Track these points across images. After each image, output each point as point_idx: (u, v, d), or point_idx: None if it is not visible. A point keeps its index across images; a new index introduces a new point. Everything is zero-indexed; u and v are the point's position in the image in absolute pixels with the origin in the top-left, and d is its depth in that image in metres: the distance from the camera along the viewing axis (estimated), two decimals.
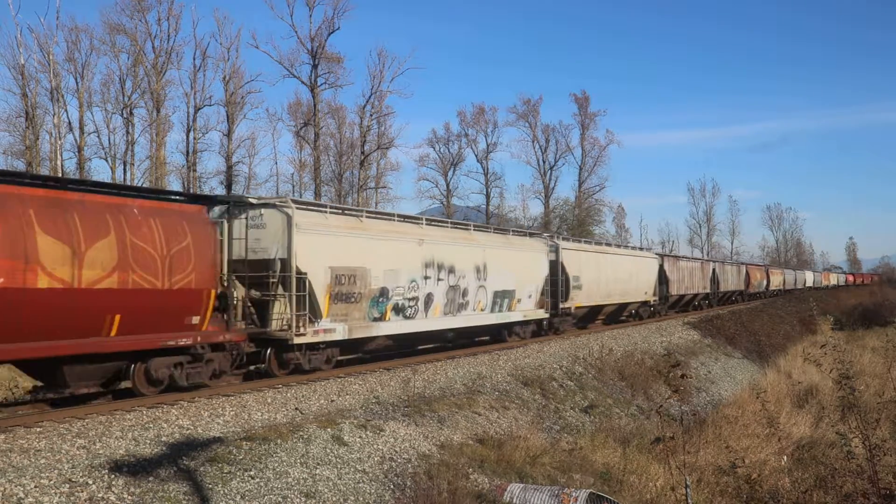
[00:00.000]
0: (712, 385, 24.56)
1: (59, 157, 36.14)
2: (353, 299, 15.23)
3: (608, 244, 34.62)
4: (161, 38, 41.72)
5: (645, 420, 17.05)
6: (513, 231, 24.08)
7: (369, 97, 49.37)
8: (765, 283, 64.98)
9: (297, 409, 12.06)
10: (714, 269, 47.79)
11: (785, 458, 13.99)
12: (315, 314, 14.33)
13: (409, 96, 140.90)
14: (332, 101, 53.60)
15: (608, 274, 28.99)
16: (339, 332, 14.95)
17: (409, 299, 17.05)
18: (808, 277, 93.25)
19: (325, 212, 15.65)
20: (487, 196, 63.03)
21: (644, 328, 30.78)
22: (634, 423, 16.45)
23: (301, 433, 10.15)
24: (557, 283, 24.56)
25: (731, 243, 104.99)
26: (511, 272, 21.52)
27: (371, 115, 49.68)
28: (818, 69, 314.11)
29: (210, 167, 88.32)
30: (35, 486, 7.51)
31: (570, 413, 16.17)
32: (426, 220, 19.18)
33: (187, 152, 43.38)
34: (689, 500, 8.59)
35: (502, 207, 65.15)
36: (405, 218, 18.61)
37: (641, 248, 39.40)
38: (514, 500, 9.70)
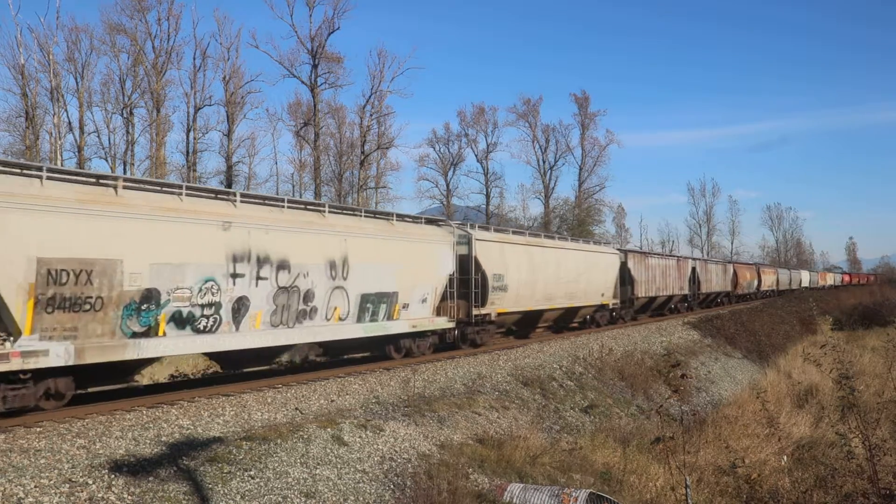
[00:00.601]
0: (712, 385, 24.56)
1: (59, 156, 36.15)
2: (86, 306, 10.60)
3: (551, 236, 28.67)
4: (161, 38, 41.83)
5: (645, 420, 17.05)
6: (398, 216, 17.80)
7: (369, 97, 49.49)
8: (755, 283, 61.47)
9: (297, 408, 12.06)
10: (694, 269, 43.58)
11: (785, 458, 13.98)
12: (5, 329, 9.92)
13: (409, 96, 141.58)
14: (332, 101, 53.73)
15: (548, 273, 24.11)
16: (57, 356, 10.18)
17: (204, 306, 12.32)
18: (805, 277, 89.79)
19: (41, 176, 10.46)
20: (487, 196, 63.13)
21: (644, 328, 30.77)
22: (634, 423, 16.45)
23: (301, 433, 10.15)
24: (470, 284, 19.68)
25: (731, 243, 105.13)
26: (391, 269, 16.55)
27: (371, 115, 49.77)
28: (818, 69, 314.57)
29: (210, 167, 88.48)
30: (35, 486, 7.51)
31: (570, 413, 16.17)
32: (242, 195, 13.60)
33: (187, 152, 43.43)
34: (689, 500, 8.59)
35: (502, 207, 65.26)
36: (200, 191, 13.28)
37: (598, 243, 34.01)
38: (514, 500, 9.70)
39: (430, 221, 19.67)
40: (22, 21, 67.36)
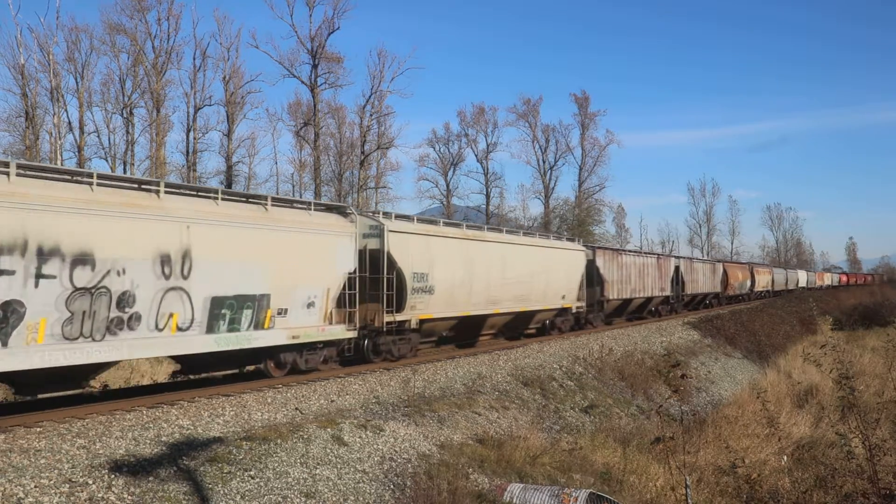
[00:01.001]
0: (712, 385, 24.56)
1: (59, 157, 36.15)
2: None
3: (497, 229, 24.52)
4: (161, 38, 41.82)
5: (645, 420, 17.05)
6: (276, 200, 14.52)
7: (369, 97, 49.47)
8: (748, 283, 57.61)
9: (297, 408, 12.06)
10: (677, 268, 39.62)
11: (785, 458, 13.98)
12: None
13: (409, 96, 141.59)
14: (332, 101, 53.82)
15: (491, 272, 20.52)
16: None
17: None
18: (802, 277, 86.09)
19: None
20: (487, 196, 63.12)
21: (644, 328, 30.76)
22: (634, 423, 16.45)
23: (301, 433, 10.16)
24: (381, 285, 16.39)
25: (731, 243, 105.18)
26: (259, 266, 13.32)
27: (371, 115, 49.76)
28: (818, 69, 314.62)
29: (210, 167, 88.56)
30: (35, 486, 7.51)
31: (570, 413, 16.17)
32: (21, 166, 10.39)
33: (187, 152, 43.43)
34: (689, 500, 8.59)
35: (502, 207, 65.23)
36: None
37: (560, 238, 29.62)
38: (514, 500, 9.70)
39: (327, 208, 16.24)
40: (22, 21, 67.37)
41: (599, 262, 28.69)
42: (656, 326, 31.92)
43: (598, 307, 29.13)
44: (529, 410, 15.10)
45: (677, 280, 39.35)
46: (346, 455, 9.96)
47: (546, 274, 23.68)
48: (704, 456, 13.54)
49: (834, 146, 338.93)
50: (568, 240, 29.12)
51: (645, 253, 38.53)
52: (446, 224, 20.46)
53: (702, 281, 44.31)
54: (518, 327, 23.89)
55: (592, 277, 27.96)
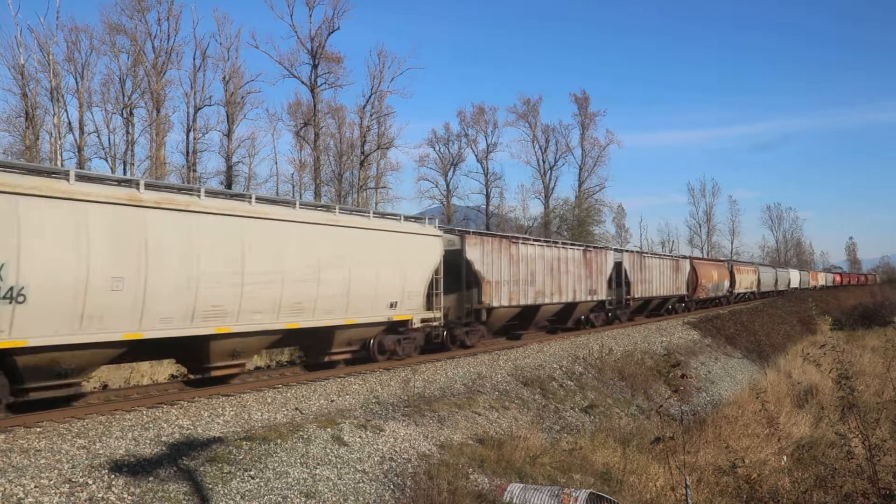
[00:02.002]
0: (712, 385, 24.56)
1: (59, 157, 36.15)
2: None
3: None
4: (161, 38, 41.80)
5: (645, 420, 17.05)
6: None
7: (369, 97, 49.47)
8: (727, 284, 49.56)
9: (297, 408, 12.06)
10: (619, 264, 30.58)
11: (785, 458, 13.98)
12: None
13: (409, 96, 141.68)
14: (332, 101, 53.85)
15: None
16: None
17: None
18: (794, 277, 79.47)
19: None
20: (487, 196, 63.16)
21: (644, 328, 30.74)
22: (634, 423, 16.45)
23: (301, 433, 10.16)
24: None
25: (731, 243, 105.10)
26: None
27: (371, 115, 49.76)
28: (818, 69, 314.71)
29: (210, 167, 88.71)
30: (35, 486, 7.51)
31: (570, 413, 16.17)
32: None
33: (187, 152, 43.42)
34: (689, 500, 8.59)
35: (502, 207, 65.21)
36: None
37: (400, 219, 17.87)
38: (514, 500, 9.70)
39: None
40: (22, 21, 67.39)
41: (473, 254, 19.98)
42: (656, 326, 31.90)
43: (472, 319, 20.70)
44: (529, 410, 15.10)
45: (621, 280, 31.05)
46: (346, 455, 9.97)
47: (371, 270, 17.07)
48: (704, 456, 13.54)
49: (834, 146, 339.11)
50: (416, 220, 19.56)
51: (561, 244, 25.99)
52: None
53: (658, 281, 35.36)
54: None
55: (463, 276, 20.14)
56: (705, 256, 68.66)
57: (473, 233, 21.28)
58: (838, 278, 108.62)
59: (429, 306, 18.12)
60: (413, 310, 17.64)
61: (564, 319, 27.22)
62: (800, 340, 37.09)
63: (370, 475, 9.66)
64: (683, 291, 39.85)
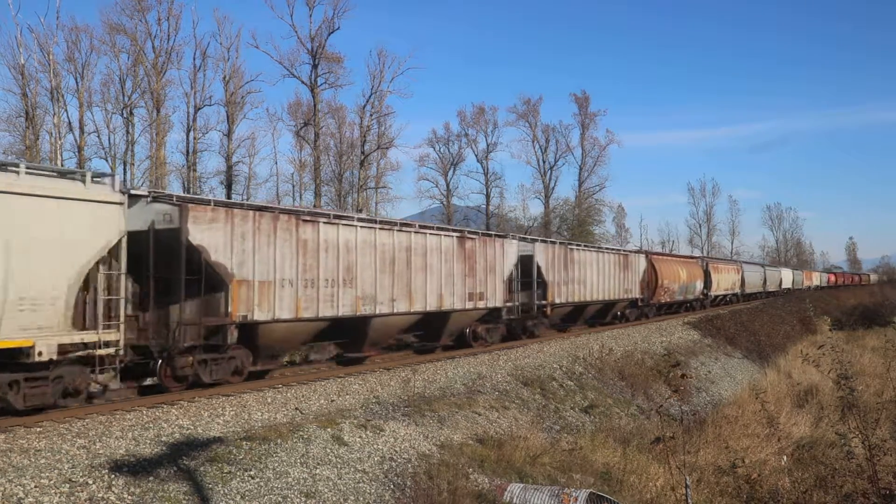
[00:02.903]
0: (712, 385, 24.56)
1: (59, 157, 36.16)
2: None
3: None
4: (161, 38, 41.78)
5: (645, 420, 17.06)
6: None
7: (369, 97, 49.43)
8: (699, 285, 41.89)
9: (297, 408, 12.06)
10: (530, 259, 23.41)
11: (785, 458, 13.98)
12: None
13: (409, 96, 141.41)
14: (332, 101, 53.65)
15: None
16: None
17: None
18: (786, 277, 72.55)
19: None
20: (487, 196, 63.12)
21: (644, 328, 30.74)
22: (634, 423, 16.46)
23: (301, 433, 10.16)
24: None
25: (732, 243, 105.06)
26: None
27: (371, 115, 49.73)
28: (818, 69, 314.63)
29: (210, 167, 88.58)
30: (35, 486, 7.51)
31: (570, 413, 16.17)
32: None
33: (187, 152, 43.42)
34: (689, 500, 8.59)
35: (502, 207, 65.15)
36: None
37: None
38: (514, 500, 9.70)
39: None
40: (22, 21, 67.16)
41: (204, 235, 13.20)
42: (656, 326, 31.91)
43: (216, 349, 14.63)
44: (529, 410, 15.10)
45: (530, 282, 23.59)
46: (346, 455, 9.97)
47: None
48: (704, 456, 13.53)
49: (834, 146, 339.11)
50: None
51: (433, 229, 19.70)
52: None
53: (595, 282, 27.83)
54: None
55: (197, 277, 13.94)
56: (670, 252, 59.32)
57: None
58: (833, 278, 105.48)
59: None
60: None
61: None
62: (800, 340, 37.09)
63: (370, 475, 9.66)
64: (636, 294, 32.33)
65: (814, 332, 40.03)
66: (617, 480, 11.78)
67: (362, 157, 50.31)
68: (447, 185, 62.49)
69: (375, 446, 10.51)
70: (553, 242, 26.51)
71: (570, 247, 26.89)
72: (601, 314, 30.72)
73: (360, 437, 10.65)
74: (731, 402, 21.32)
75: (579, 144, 67.84)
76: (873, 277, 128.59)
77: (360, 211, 47.75)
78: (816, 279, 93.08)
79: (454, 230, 21.15)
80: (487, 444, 11.91)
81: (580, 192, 67.32)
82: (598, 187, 68.31)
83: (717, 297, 47.25)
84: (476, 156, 63.74)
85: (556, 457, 12.20)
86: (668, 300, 37.18)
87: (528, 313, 23.68)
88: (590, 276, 27.60)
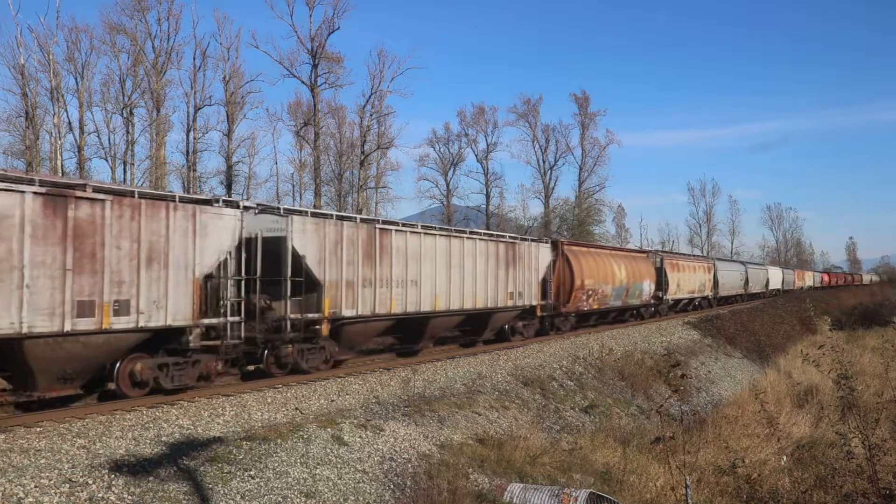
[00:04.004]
0: (712, 385, 24.56)
1: (59, 156, 36.17)
2: None
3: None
4: (161, 38, 41.81)
5: (645, 420, 17.05)
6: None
7: (369, 97, 49.45)
8: (648, 287, 32.95)
9: (297, 408, 12.06)
10: (285, 243, 14.36)
11: (785, 458, 13.98)
12: None
13: (409, 96, 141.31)
14: (332, 100, 53.84)
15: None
16: None
17: None
18: (775, 277, 65.02)
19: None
20: (487, 196, 63.13)
21: (644, 328, 30.75)
22: (634, 422, 16.45)
23: (301, 433, 10.16)
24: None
25: (732, 243, 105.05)
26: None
27: (371, 115, 49.75)
28: (818, 69, 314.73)
29: (210, 167, 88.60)
30: (35, 486, 7.51)
31: (570, 413, 16.17)
32: None
33: (187, 152, 43.44)
34: (689, 500, 8.59)
35: (502, 207, 65.18)
36: None
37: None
38: (514, 500, 9.70)
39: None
40: (22, 21, 67.26)
41: None
42: (656, 326, 31.90)
43: None
44: (529, 410, 15.10)
45: (299, 283, 15.62)
46: (346, 455, 9.97)
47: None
48: (704, 456, 13.52)
49: (834, 146, 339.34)
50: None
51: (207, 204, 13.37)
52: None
53: (439, 282, 18.74)
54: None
55: None
56: (590, 243, 41.94)
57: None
58: (827, 278, 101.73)
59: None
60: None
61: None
62: (800, 340, 37.08)
63: (370, 475, 9.66)
64: (534, 300, 23.52)
65: (814, 332, 40.03)
66: (617, 480, 11.77)
67: (362, 157, 50.32)
68: (447, 185, 62.56)
69: (375, 446, 10.50)
70: (322, 217, 15.92)
71: (378, 226, 17.09)
72: (474, 331, 21.49)
73: (360, 437, 10.65)
74: (731, 402, 21.31)
75: (579, 144, 67.91)
76: (866, 278, 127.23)
77: (360, 211, 47.78)
78: (809, 279, 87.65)
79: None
80: (487, 444, 11.91)
81: (580, 191, 67.35)
82: (598, 187, 68.37)
83: (677, 301, 38.49)
84: (476, 156, 63.83)
85: (556, 457, 12.20)
86: (593, 307, 27.80)
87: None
88: (433, 275, 18.51)
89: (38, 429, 9.70)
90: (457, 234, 19.96)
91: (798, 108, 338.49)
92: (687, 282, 39.44)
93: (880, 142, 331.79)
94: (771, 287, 62.20)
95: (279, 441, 9.73)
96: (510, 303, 22.22)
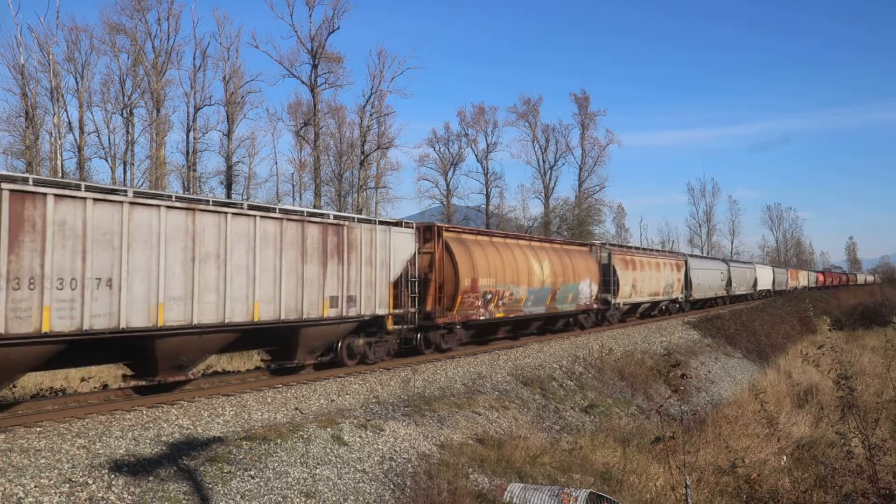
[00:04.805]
0: (712, 385, 24.56)
1: (58, 156, 36.16)
2: None
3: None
4: (161, 38, 41.78)
5: (645, 420, 17.05)
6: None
7: (369, 97, 49.44)
8: (587, 289, 26.82)
9: (297, 408, 12.06)
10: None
11: (785, 457, 13.98)
12: None
13: (409, 96, 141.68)
14: (332, 100, 53.85)
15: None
16: None
17: None
18: (763, 277, 58.27)
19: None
20: (487, 196, 63.11)
21: (644, 328, 30.75)
22: (634, 422, 16.45)
23: (301, 433, 10.16)
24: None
25: (731, 243, 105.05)
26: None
27: (371, 115, 49.73)
28: (818, 69, 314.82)
29: (210, 167, 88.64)
30: (35, 486, 7.51)
31: (570, 413, 16.17)
32: None
33: (187, 152, 43.41)
34: (689, 500, 8.59)
35: (502, 207, 65.16)
36: None
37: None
38: (514, 500, 9.70)
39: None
40: (22, 21, 67.39)
41: None
42: (656, 326, 31.90)
43: None
44: (529, 410, 15.10)
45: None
46: (346, 455, 9.97)
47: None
48: (704, 456, 13.53)
49: (834, 146, 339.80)
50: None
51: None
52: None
53: (173, 280, 12.09)
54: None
55: None
56: (497, 231, 29.53)
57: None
58: (822, 278, 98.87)
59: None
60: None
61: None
62: (800, 340, 37.08)
63: (370, 475, 9.66)
64: (382, 308, 16.97)
65: (813, 332, 40.04)
66: (617, 480, 11.77)
67: (362, 157, 50.32)
68: (447, 185, 62.54)
69: (375, 446, 10.51)
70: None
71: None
72: (280, 352, 15.37)
73: (360, 436, 10.65)
74: (731, 401, 21.31)
75: (579, 144, 67.86)
76: (861, 278, 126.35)
77: (360, 211, 47.78)
78: (804, 279, 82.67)
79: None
80: (487, 444, 11.91)
81: (580, 191, 67.33)
82: (598, 187, 68.31)
83: (634, 306, 32.52)
84: (476, 156, 63.81)
85: (556, 457, 12.20)
86: (499, 316, 21.50)
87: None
88: (157, 266, 12.06)
89: (38, 429, 9.70)
90: (214, 210, 12.80)
91: (798, 108, 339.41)
92: (647, 282, 33.29)
93: (880, 142, 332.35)
94: (760, 288, 56.60)
95: (279, 441, 9.73)
96: (332, 312, 15.46)
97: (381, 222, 17.55)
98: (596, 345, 22.70)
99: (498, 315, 21.65)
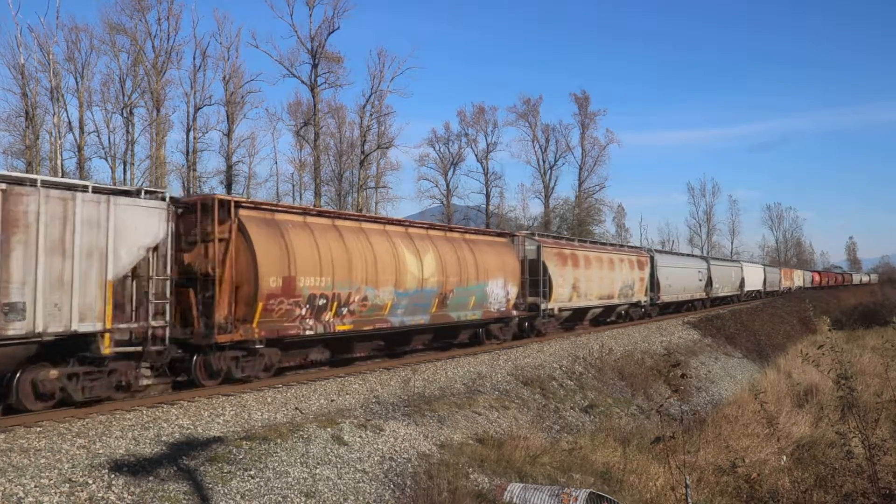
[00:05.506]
0: (712, 385, 24.56)
1: (58, 156, 36.15)
2: None
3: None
4: (161, 38, 41.73)
5: (645, 420, 17.06)
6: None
7: (369, 97, 49.43)
8: (503, 292, 21.01)
9: (297, 408, 12.06)
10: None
11: (785, 457, 13.98)
12: None
13: (408, 96, 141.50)
14: (332, 100, 53.82)
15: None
16: None
17: None
18: (751, 276, 52.82)
19: None
20: (487, 196, 63.09)
21: (644, 328, 30.75)
22: (634, 422, 16.45)
23: (301, 433, 10.16)
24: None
25: (732, 243, 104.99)
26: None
27: (371, 115, 49.73)
28: (818, 69, 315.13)
29: (210, 167, 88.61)
30: (35, 486, 7.51)
31: (570, 413, 16.17)
32: None
33: (187, 152, 43.40)
34: (689, 500, 8.59)
35: (502, 207, 65.15)
36: None
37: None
38: (514, 500, 9.70)
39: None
40: (22, 21, 67.27)
41: None
42: (656, 326, 31.90)
43: None
44: (529, 410, 15.10)
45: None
46: (346, 455, 9.97)
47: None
48: (704, 456, 13.53)
49: (834, 146, 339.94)
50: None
51: None
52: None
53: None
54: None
55: None
56: (349, 213, 21.35)
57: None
58: (817, 278, 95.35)
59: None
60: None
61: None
62: (800, 340, 37.08)
63: (370, 475, 9.66)
64: (95, 324, 10.98)
65: (813, 332, 40.04)
66: (617, 480, 11.77)
67: (362, 157, 50.31)
68: (447, 185, 62.50)
69: (375, 446, 10.51)
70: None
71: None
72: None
73: (360, 436, 10.65)
74: (731, 401, 21.32)
75: (579, 144, 67.82)
76: (857, 278, 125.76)
77: (360, 211, 47.76)
78: (799, 279, 77.59)
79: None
80: (487, 444, 11.91)
81: (580, 191, 67.32)
82: (598, 187, 68.29)
83: (577, 311, 26.87)
84: (476, 155, 63.76)
85: (556, 456, 12.20)
86: (346, 328, 15.80)
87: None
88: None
89: (38, 428, 9.70)
90: None
91: (798, 108, 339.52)
92: (595, 282, 27.39)
93: (880, 142, 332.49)
94: (748, 288, 51.04)
95: (279, 441, 9.73)
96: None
97: (94, 189, 11.31)
98: (596, 345, 22.71)
99: (342, 328, 15.58)
